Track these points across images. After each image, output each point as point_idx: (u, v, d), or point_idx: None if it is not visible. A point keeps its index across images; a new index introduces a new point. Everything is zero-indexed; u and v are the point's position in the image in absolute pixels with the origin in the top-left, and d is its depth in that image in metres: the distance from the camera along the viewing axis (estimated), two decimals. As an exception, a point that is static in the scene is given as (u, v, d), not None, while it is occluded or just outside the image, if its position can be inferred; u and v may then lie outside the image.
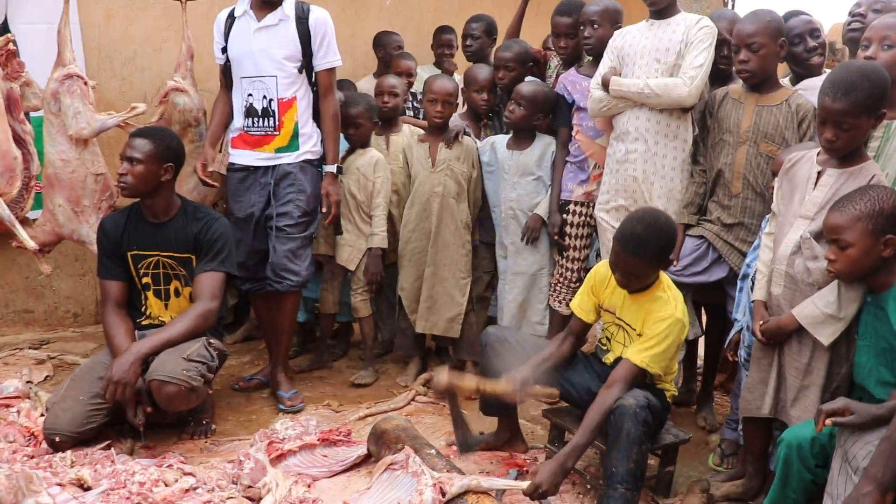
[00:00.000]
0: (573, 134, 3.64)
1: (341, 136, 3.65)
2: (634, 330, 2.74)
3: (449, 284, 3.82)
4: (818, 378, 2.53)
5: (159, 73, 4.10)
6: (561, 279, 3.70)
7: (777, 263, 2.62)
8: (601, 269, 2.90)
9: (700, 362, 3.88)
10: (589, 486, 2.97)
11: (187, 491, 2.45)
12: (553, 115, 3.70)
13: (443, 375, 2.82)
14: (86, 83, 3.32)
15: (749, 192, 3.12)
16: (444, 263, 3.81)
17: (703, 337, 3.87)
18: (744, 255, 3.13)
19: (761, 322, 2.68)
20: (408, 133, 3.99)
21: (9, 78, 3.26)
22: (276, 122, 3.36)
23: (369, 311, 3.94)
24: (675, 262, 3.19)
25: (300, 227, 3.48)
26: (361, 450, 3.07)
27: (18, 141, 3.29)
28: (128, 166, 3.00)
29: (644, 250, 2.57)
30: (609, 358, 2.88)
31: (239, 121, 3.42)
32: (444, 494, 2.51)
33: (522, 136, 3.74)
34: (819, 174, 2.55)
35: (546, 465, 2.56)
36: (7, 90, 3.26)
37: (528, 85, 3.68)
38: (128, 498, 2.33)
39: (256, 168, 3.41)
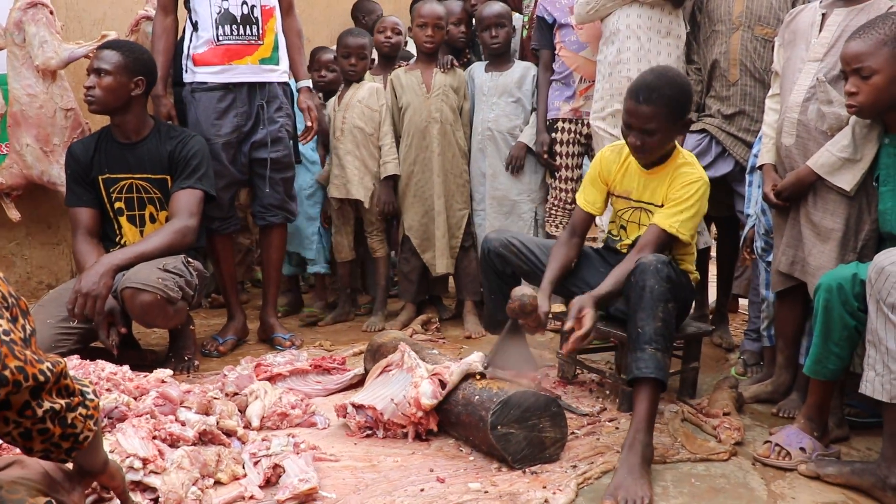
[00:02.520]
0: (556, 52, 3.54)
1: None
2: (656, 205, 2.56)
3: (459, 216, 3.68)
4: (836, 233, 2.38)
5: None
6: (556, 202, 3.55)
7: (788, 113, 2.47)
8: (607, 152, 2.74)
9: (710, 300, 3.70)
10: (608, 392, 2.75)
11: (163, 381, 2.20)
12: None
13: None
14: (51, 12, 3.17)
15: (747, 79, 3.01)
16: (451, 193, 3.64)
17: (714, 264, 3.72)
18: (748, 146, 3.00)
19: (774, 184, 2.53)
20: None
21: (-31, 13, 3.12)
22: (260, 31, 3.14)
23: (386, 251, 3.77)
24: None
25: (290, 156, 3.33)
26: (358, 370, 2.84)
27: (-19, 80, 3.13)
28: (95, 79, 2.82)
29: (657, 96, 2.39)
30: (625, 245, 2.69)
31: (208, 32, 3.08)
32: (444, 386, 2.29)
33: (502, 59, 3.66)
34: (824, 17, 2.43)
35: (578, 300, 2.35)
36: (-33, 27, 3.11)
37: (493, 4, 3.62)
38: (96, 383, 2.08)
39: (237, 86, 3.13)
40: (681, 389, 2.76)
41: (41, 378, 1.22)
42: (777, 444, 2.26)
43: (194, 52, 3.12)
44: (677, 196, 2.49)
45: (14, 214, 3.33)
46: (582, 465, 2.16)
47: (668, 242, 2.49)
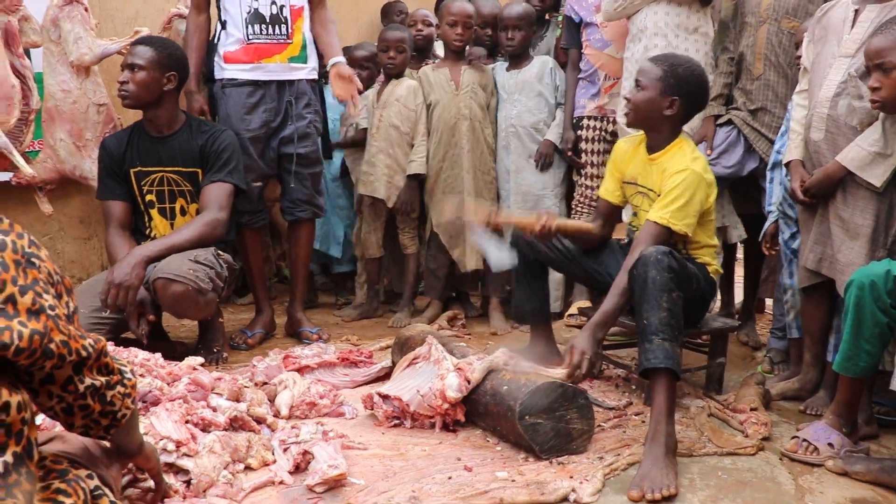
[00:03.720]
0: (582, 50, 3.57)
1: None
2: (655, 192, 2.59)
3: None
4: (866, 230, 2.36)
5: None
6: (581, 199, 3.57)
7: (818, 107, 2.45)
8: (621, 143, 2.80)
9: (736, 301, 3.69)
10: (634, 387, 2.76)
11: (195, 368, 2.23)
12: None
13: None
14: (86, 9, 3.23)
15: (770, 73, 3.00)
16: (479, 190, 3.66)
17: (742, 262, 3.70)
18: (771, 142, 2.99)
19: (802, 181, 2.52)
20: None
21: (6, 10, 3.15)
22: (289, 30, 3.16)
23: (417, 248, 3.79)
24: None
25: (318, 151, 3.35)
26: (385, 363, 2.86)
27: (17, 76, 3.17)
28: (129, 74, 2.87)
29: (668, 64, 2.51)
30: None
31: (237, 31, 3.13)
32: (469, 382, 2.30)
33: (521, 58, 3.69)
34: (856, 13, 2.42)
35: (577, 339, 2.35)
36: (5, 23, 3.15)
37: (514, 7, 3.64)
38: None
39: (266, 83, 3.16)
40: (707, 385, 2.75)
41: (83, 353, 1.26)
42: (805, 440, 2.24)
43: (225, 50, 3.17)
44: (665, 188, 2.51)
45: (47, 208, 3.38)
46: (608, 457, 2.16)
47: (663, 236, 2.47)
